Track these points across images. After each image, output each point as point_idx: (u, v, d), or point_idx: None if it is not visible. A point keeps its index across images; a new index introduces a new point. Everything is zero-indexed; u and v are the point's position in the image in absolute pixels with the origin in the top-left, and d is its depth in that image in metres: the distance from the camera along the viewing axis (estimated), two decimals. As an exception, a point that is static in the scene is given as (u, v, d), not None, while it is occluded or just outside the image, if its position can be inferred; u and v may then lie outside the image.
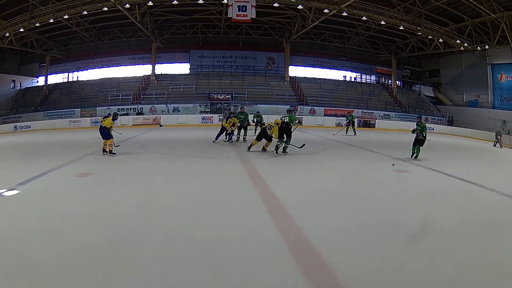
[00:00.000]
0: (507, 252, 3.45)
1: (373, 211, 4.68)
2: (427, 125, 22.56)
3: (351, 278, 2.73)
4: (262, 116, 15.22)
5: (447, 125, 22.61)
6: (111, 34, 25.63)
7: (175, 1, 19.15)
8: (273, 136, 9.11)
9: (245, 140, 11.77)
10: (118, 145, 9.24)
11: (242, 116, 11.82)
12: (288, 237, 3.52)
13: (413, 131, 9.36)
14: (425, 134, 9.18)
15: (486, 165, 10.35)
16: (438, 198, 5.61)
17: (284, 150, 9.07)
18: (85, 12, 18.66)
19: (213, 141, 11.13)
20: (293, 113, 9.93)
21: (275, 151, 8.92)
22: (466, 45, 22.82)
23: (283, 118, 9.18)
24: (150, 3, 18.86)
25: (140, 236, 3.43)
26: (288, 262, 2.92)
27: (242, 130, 11.96)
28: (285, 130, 8.90)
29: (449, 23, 22.47)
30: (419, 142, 9.07)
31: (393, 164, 7.95)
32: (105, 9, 18.77)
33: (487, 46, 22.68)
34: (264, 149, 9.30)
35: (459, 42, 22.64)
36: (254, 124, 13.96)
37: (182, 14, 22.74)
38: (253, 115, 14.19)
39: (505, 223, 4.49)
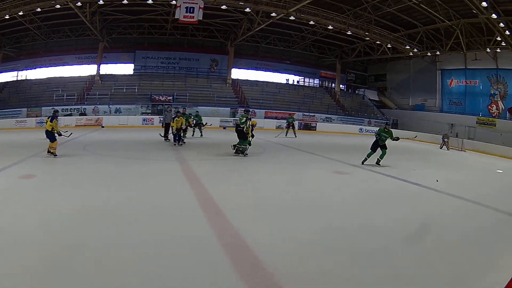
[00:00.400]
0: (443, 253, 3.57)
1: (314, 214, 4.71)
2: (370, 128, 22.57)
3: (290, 280, 2.73)
4: (201, 117, 15.35)
5: (391, 128, 22.79)
6: (61, 32, 25.25)
7: (125, 1, 19.06)
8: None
9: (184, 143, 11.66)
10: (71, 133, 9.39)
11: (184, 118, 11.66)
12: (225, 240, 3.50)
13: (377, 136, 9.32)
14: (393, 139, 9.17)
15: (432, 167, 10.59)
16: (382, 200, 5.73)
17: (242, 152, 9.21)
18: (38, 9, 18.27)
19: (175, 144, 10.96)
20: (248, 114, 9.99)
21: (235, 152, 9.23)
22: (416, 50, 22.83)
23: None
24: (101, 2, 18.44)
25: (79, 240, 3.34)
26: (226, 265, 2.92)
27: (181, 132, 11.67)
28: (238, 132, 9.24)
29: (400, 29, 22.42)
30: (382, 147, 9.00)
31: (437, 180, 7.53)
32: (58, 6, 18.58)
33: (438, 52, 22.77)
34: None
35: (408, 47, 22.64)
36: (193, 125, 14.00)
37: (130, 14, 22.50)
38: (192, 116, 14.14)
39: (450, 223, 4.70)
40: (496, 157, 18.70)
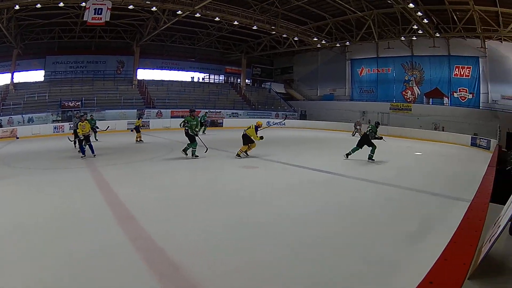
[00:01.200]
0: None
1: (226, 210, 4.68)
2: (278, 120, 22.89)
3: (205, 279, 2.74)
4: (96, 121, 15.49)
5: (300, 119, 23.18)
6: (-21, 42, 25.40)
7: (38, 5, 19.05)
8: (252, 137, 9.22)
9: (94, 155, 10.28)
10: None
11: (92, 122, 11.08)
12: (139, 243, 3.44)
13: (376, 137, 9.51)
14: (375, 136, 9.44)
15: (340, 153, 10.54)
16: (295, 190, 5.85)
17: (192, 154, 9.12)
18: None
19: (82, 156, 9.49)
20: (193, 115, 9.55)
21: (184, 153, 9.09)
22: (324, 42, 22.82)
23: None
24: (17, 7, 17.92)
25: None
26: (141, 269, 2.88)
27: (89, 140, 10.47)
28: (186, 135, 9.10)
29: (308, 22, 22.25)
30: (370, 144, 9.29)
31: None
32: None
33: (347, 42, 22.80)
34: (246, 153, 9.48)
35: (316, 39, 22.56)
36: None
37: (43, 18, 22.14)
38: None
39: (372, 208, 4.84)
40: (414, 140, 19.21)
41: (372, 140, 9.30)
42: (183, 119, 9.40)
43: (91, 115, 14.58)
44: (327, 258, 3.19)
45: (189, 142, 9.12)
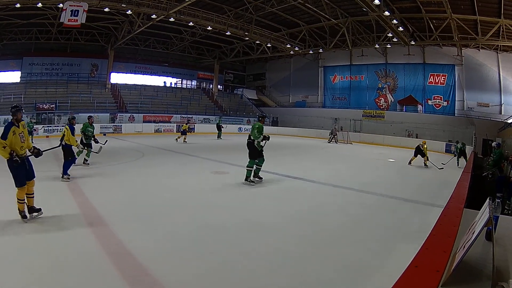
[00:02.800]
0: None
1: (193, 213, 4.59)
2: (249, 127, 23.40)
3: (176, 282, 2.71)
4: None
5: (272, 126, 23.22)
6: (-41, 42, 25.27)
7: (18, 5, 19.05)
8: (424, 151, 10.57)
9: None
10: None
11: (91, 129, 8.63)
12: (110, 249, 3.35)
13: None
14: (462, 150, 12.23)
15: (323, 161, 10.76)
16: (267, 197, 5.66)
17: (255, 174, 6.63)
18: None
19: (68, 178, 6.67)
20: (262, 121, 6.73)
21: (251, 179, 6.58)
22: (297, 49, 22.55)
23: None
24: None
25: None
26: (112, 275, 2.80)
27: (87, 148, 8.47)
28: (249, 146, 6.50)
29: (281, 29, 21.76)
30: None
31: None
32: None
33: (321, 49, 22.56)
34: (425, 165, 10.70)
35: (289, 46, 22.17)
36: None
37: (22, 18, 22.01)
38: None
39: (342, 215, 4.72)
40: (386, 147, 19.31)
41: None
42: (256, 127, 6.42)
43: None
44: (296, 265, 3.06)
45: (256, 160, 6.51)
